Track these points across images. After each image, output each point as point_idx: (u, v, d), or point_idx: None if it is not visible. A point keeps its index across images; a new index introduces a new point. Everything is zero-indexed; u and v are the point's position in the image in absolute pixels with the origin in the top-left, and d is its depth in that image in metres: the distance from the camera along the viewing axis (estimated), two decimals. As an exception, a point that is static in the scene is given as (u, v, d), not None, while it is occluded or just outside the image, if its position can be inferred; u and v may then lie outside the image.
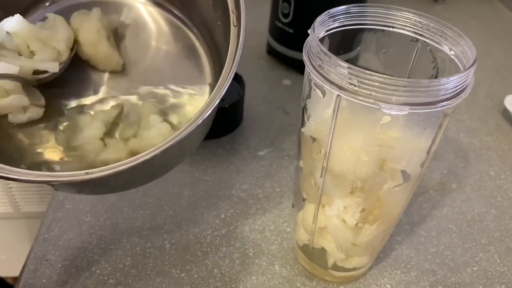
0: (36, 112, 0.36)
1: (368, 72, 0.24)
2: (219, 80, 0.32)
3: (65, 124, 0.37)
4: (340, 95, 0.26)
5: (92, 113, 0.38)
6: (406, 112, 0.24)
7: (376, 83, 0.24)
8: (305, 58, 0.28)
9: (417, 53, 0.32)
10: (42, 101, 0.36)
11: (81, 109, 0.39)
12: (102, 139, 0.36)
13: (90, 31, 0.37)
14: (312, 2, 0.59)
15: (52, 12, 0.39)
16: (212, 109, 0.30)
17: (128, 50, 0.41)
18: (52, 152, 0.36)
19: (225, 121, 0.53)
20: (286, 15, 0.62)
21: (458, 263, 0.41)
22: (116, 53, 0.39)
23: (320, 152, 0.30)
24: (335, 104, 0.27)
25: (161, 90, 0.40)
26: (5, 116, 0.35)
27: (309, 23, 0.29)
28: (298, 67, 0.66)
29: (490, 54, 0.74)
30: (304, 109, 0.31)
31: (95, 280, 0.38)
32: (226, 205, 0.45)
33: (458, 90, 0.25)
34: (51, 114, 0.37)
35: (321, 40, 0.30)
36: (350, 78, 0.25)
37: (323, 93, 0.28)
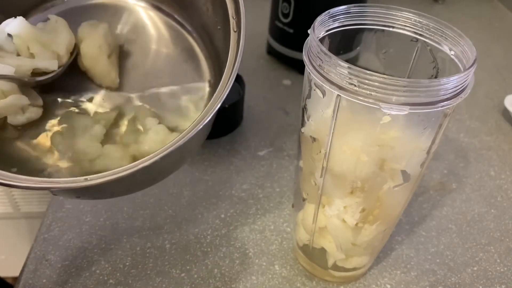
0: (35, 112, 0.36)
1: (368, 72, 0.24)
2: (219, 86, 0.32)
3: (63, 126, 0.37)
4: (340, 95, 0.26)
5: (91, 115, 0.38)
6: (406, 112, 0.24)
7: (376, 83, 0.24)
8: (305, 58, 0.28)
9: (417, 53, 0.32)
10: (40, 101, 0.36)
11: (80, 111, 0.39)
12: (101, 142, 0.36)
13: (92, 44, 0.38)
14: (312, 2, 0.59)
15: (55, 15, 0.39)
16: (212, 115, 0.30)
17: (127, 53, 0.41)
18: (50, 156, 0.36)
19: (225, 121, 0.53)
20: (286, 15, 0.61)
21: (458, 263, 0.41)
22: (113, 72, 0.39)
23: (320, 152, 0.30)
24: (335, 104, 0.27)
25: (160, 94, 0.40)
26: (2, 119, 0.35)
27: (309, 23, 0.29)
28: (298, 67, 0.66)
29: (490, 54, 0.74)
30: (304, 109, 0.31)
31: (95, 280, 0.38)
32: (226, 205, 0.45)
33: (458, 90, 0.25)
34: (49, 116, 0.37)
35: (321, 40, 0.30)
36: (350, 78, 0.25)
37: (323, 93, 0.28)
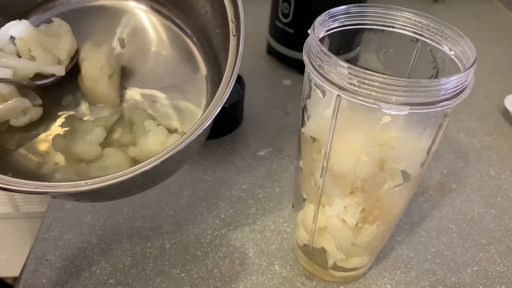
0: (35, 112, 0.36)
1: (368, 72, 0.24)
2: (219, 89, 0.32)
3: (65, 129, 0.37)
4: (340, 95, 0.26)
5: (92, 119, 0.38)
6: (406, 112, 0.24)
7: (376, 83, 0.24)
8: (305, 58, 0.28)
9: (417, 53, 0.32)
10: (39, 101, 0.36)
11: (80, 114, 0.39)
12: (101, 144, 0.36)
13: (94, 65, 0.38)
14: (312, 2, 0.59)
15: (52, 15, 0.39)
16: (212, 119, 0.30)
17: (127, 56, 0.41)
18: (50, 158, 0.36)
19: (225, 121, 0.53)
20: (286, 15, 0.62)
21: (458, 263, 0.41)
22: (113, 93, 0.39)
23: (320, 152, 0.30)
24: (335, 104, 0.27)
25: (158, 97, 0.40)
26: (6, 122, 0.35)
27: (309, 23, 0.29)
28: (298, 67, 0.66)
29: (490, 54, 0.74)
30: (304, 109, 0.31)
31: (95, 280, 0.38)
32: (226, 205, 0.45)
33: (458, 90, 0.25)
34: (49, 118, 0.37)
35: (321, 40, 0.30)
36: (350, 78, 0.25)
37: (323, 93, 0.28)
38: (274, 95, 0.61)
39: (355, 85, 0.25)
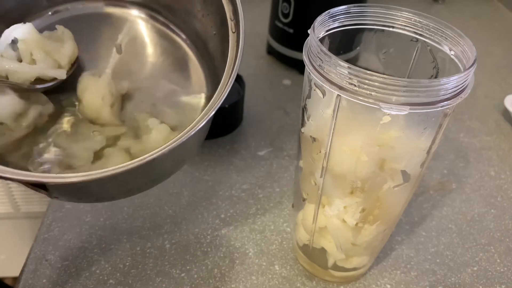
0: (42, 108, 0.36)
1: (368, 72, 0.24)
2: (219, 86, 0.32)
3: (69, 130, 0.37)
4: (340, 95, 0.26)
5: (100, 125, 0.38)
6: (406, 112, 0.24)
7: (376, 83, 0.24)
8: (305, 58, 0.28)
9: (417, 53, 0.32)
10: (49, 107, 0.37)
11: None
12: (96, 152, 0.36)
13: (95, 96, 0.37)
14: (312, 2, 0.59)
15: (55, 21, 0.39)
16: (211, 114, 0.30)
17: (124, 63, 0.42)
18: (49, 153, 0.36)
19: (225, 121, 0.53)
20: (286, 15, 0.62)
21: (458, 263, 0.41)
22: (116, 120, 0.39)
23: (320, 152, 0.30)
24: (335, 104, 0.27)
25: (156, 99, 0.41)
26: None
27: (309, 23, 0.29)
28: (298, 67, 0.66)
29: (490, 54, 0.74)
30: (304, 109, 0.31)
31: (95, 280, 0.38)
32: (226, 205, 0.45)
33: (458, 90, 0.25)
34: (56, 118, 0.38)
35: (321, 40, 0.30)
36: (350, 78, 0.25)
37: (323, 93, 0.28)
38: (274, 95, 0.61)
39: (355, 85, 0.25)
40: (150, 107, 0.40)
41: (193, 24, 0.41)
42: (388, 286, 0.39)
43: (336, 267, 0.37)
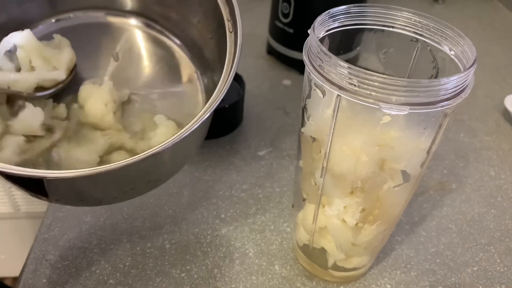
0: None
1: (368, 72, 0.24)
2: (218, 84, 0.32)
3: (71, 135, 0.38)
4: (340, 95, 0.26)
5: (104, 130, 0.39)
6: (406, 112, 0.24)
7: (376, 83, 0.24)
8: (305, 58, 0.28)
9: (417, 53, 0.32)
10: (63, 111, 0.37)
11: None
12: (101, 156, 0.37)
13: (98, 103, 0.38)
14: (312, 2, 0.59)
15: (56, 29, 0.40)
16: (210, 112, 0.30)
17: (122, 70, 0.42)
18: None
19: (225, 121, 0.53)
20: (286, 15, 0.61)
21: (458, 263, 0.41)
22: (118, 126, 0.39)
23: (320, 152, 0.30)
24: (335, 104, 0.27)
25: (156, 107, 0.41)
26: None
27: (309, 23, 0.29)
28: (298, 67, 0.66)
29: (490, 54, 0.74)
30: (304, 109, 0.31)
31: (95, 280, 0.38)
32: (226, 205, 0.45)
33: (458, 90, 0.25)
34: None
35: (321, 40, 0.30)
36: (350, 78, 0.25)
37: (323, 93, 0.28)
38: (274, 95, 0.61)
39: (355, 85, 0.25)
40: (150, 113, 0.41)
41: (190, 30, 0.41)
42: (388, 286, 0.39)
43: (336, 267, 0.37)
